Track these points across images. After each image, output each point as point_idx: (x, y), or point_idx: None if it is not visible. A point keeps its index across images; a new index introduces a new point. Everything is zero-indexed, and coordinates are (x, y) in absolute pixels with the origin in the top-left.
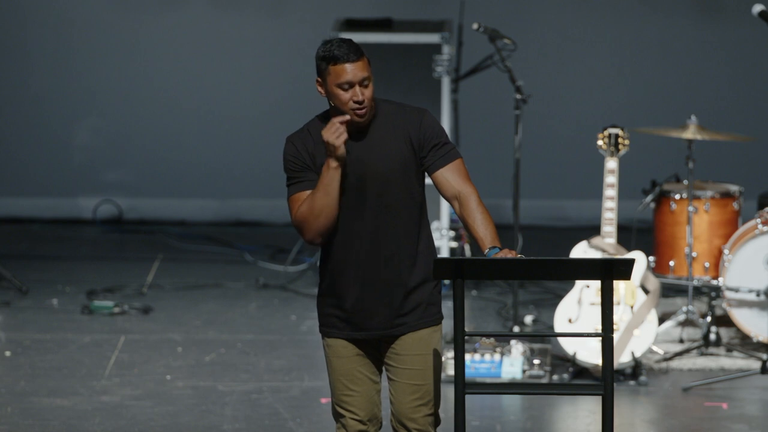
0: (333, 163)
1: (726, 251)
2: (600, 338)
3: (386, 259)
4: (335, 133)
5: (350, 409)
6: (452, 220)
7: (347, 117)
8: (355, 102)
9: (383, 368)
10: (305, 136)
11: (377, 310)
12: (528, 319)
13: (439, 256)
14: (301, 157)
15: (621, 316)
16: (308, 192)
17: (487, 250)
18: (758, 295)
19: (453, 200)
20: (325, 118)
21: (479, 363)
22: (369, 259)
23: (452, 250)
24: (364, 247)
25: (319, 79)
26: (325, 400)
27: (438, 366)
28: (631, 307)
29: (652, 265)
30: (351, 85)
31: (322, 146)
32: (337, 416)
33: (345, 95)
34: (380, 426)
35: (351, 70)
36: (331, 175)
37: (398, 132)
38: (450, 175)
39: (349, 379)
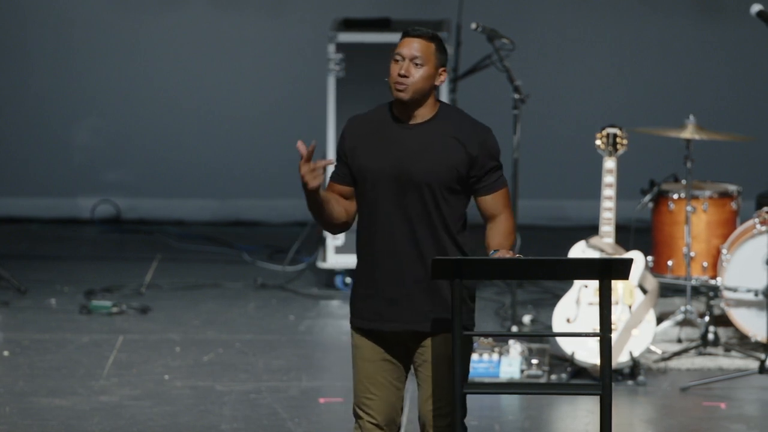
0: (305, 188)
1: (724, 251)
2: (598, 338)
3: (420, 257)
4: (312, 175)
5: (369, 412)
6: None
7: (331, 161)
8: (399, 75)
9: (414, 373)
10: (363, 120)
11: (406, 304)
12: (526, 318)
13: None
14: (343, 144)
15: (619, 316)
16: (332, 183)
17: (491, 252)
18: (756, 294)
19: (488, 221)
20: (389, 108)
21: (477, 363)
22: (404, 254)
23: None
24: (400, 241)
25: None
26: (324, 400)
27: (465, 375)
28: (630, 307)
29: (651, 264)
30: (402, 57)
31: (370, 132)
32: (356, 416)
33: (394, 67)
34: (398, 430)
35: (408, 44)
36: (308, 196)
37: (457, 142)
38: (493, 203)
39: (371, 382)
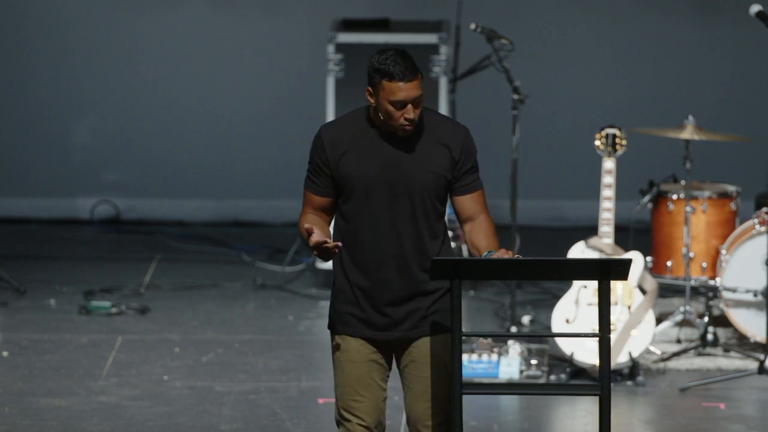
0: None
1: (723, 251)
2: (597, 338)
3: (407, 264)
4: (324, 255)
5: (358, 415)
6: (449, 220)
7: (339, 245)
8: (406, 119)
9: (400, 374)
10: (340, 127)
11: (395, 312)
12: (525, 319)
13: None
14: (323, 155)
15: (618, 316)
16: (314, 196)
17: (485, 254)
18: (755, 295)
19: (466, 222)
20: (365, 115)
21: (477, 363)
22: (389, 262)
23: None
24: (386, 250)
25: (370, 89)
26: (323, 401)
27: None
28: (629, 308)
29: (650, 265)
30: (404, 104)
31: (352, 140)
32: (342, 420)
33: (396, 112)
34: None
35: (406, 90)
36: (323, 251)
37: (440, 145)
38: (471, 203)
39: (360, 384)
